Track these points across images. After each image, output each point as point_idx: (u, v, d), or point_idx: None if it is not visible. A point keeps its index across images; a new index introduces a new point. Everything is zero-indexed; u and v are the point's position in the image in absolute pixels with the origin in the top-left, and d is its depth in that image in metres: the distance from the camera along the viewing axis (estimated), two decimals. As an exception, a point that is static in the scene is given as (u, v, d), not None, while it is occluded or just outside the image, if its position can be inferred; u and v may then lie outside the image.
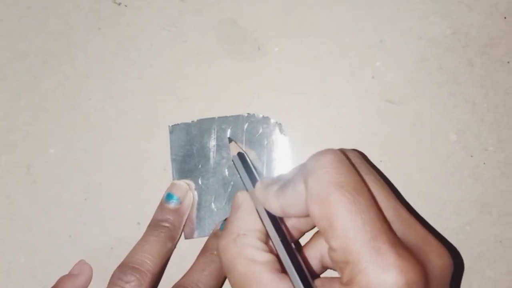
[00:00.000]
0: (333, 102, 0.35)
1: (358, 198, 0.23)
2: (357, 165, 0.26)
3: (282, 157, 0.35)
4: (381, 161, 0.35)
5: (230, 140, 0.34)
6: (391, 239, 0.22)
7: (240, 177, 0.31)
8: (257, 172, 0.30)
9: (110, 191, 0.35)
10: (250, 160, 0.32)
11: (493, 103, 0.35)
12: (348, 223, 0.22)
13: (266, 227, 0.27)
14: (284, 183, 0.26)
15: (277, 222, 0.27)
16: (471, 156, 0.35)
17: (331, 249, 0.23)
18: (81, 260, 0.34)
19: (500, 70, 0.35)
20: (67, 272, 0.34)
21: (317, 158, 0.25)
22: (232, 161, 0.32)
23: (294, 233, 0.30)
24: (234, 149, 0.33)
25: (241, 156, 0.32)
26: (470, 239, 0.34)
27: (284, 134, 0.35)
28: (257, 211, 0.28)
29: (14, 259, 0.35)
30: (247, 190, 0.30)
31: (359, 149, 0.35)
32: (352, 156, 0.27)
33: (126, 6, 0.36)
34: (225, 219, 0.34)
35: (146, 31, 0.36)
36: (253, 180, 0.29)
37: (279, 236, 0.26)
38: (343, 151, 0.26)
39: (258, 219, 0.28)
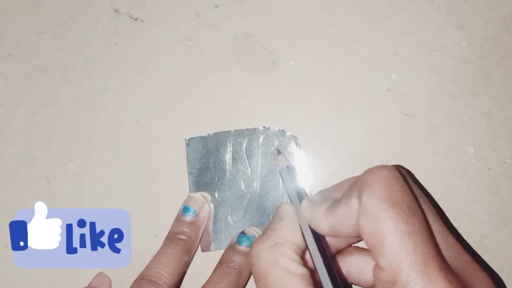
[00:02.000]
0: (349, 115, 0.35)
1: (412, 218, 0.22)
2: (409, 183, 0.26)
3: (297, 170, 0.35)
4: (397, 173, 0.35)
5: (279, 152, 0.34)
6: (442, 265, 0.22)
7: (286, 190, 0.31)
8: (303, 186, 0.31)
9: (127, 204, 0.35)
10: (297, 175, 0.32)
11: (510, 115, 0.35)
12: (400, 243, 0.22)
13: (308, 244, 0.27)
14: (334, 201, 0.26)
15: (320, 241, 0.27)
16: (489, 169, 0.34)
17: (378, 267, 0.23)
18: (100, 272, 0.35)
19: (516, 82, 0.35)
20: (86, 285, 0.34)
21: (372, 174, 0.24)
22: (280, 173, 0.32)
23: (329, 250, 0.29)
24: (282, 162, 0.33)
25: (289, 169, 0.32)
26: (488, 253, 0.34)
27: (299, 147, 0.35)
28: (300, 226, 0.27)
29: (31, 272, 0.35)
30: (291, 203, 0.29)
31: (376, 163, 0.35)
32: (403, 172, 0.27)
33: (142, 21, 0.37)
34: (242, 232, 0.34)
35: (163, 46, 0.37)
36: (300, 196, 0.29)
37: (322, 256, 0.26)
38: (396, 167, 0.26)
39: (299, 233, 0.27)
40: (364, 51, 0.36)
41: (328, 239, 0.28)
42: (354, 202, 0.24)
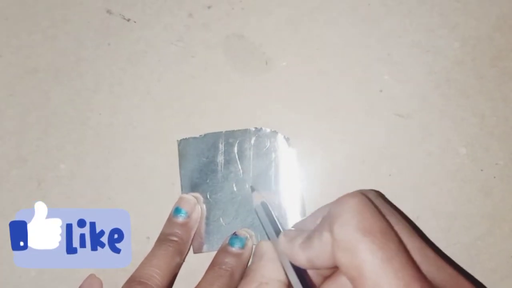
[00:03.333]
0: (341, 116, 0.35)
1: (387, 244, 0.22)
2: (379, 206, 0.25)
3: (289, 171, 0.35)
4: (390, 175, 0.35)
5: (253, 189, 0.34)
6: (424, 285, 0.22)
7: (263, 226, 0.31)
8: (279, 221, 0.31)
9: (119, 206, 0.35)
10: (273, 210, 0.32)
11: (503, 116, 0.35)
12: (379, 271, 0.21)
13: (290, 279, 0.27)
14: (308, 234, 0.26)
15: (301, 273, 0.27)
16: (481, 170, 0.34)
17: None
18: (91, 274, 0.35)
19: (509, 83, 0.35)
20: (77, 287, 0.34)
21: (341, 204, 0.24)
22: (255, 210, 0.33)
23: (316, 279, 0.29)
24: (257, 198, 0.33)
25: (264, 205, 0.32)
26: (481, 254, 0.34)
27: (291, 148, 0.35)
28: (280, 262, 0.28)
29: (24, 273, 0.35)
30: (269, 239, 0.30)
31: (367, 164, 0.35)
32: (372, 197, 0.26)
33: (135, 22, 0.37)
34: (234, 233, 0.34)
35: (155, 47, 0.36)
36: (276, 231, 0.30)
37: None
38: (364, 193, 0.25)
39: (281, 268, 0.27)
40: (356, 52, 0.36)
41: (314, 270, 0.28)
42: (326, 235, 0.24)
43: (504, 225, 0.34)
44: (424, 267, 0.24)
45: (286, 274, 0.27)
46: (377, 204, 0.26)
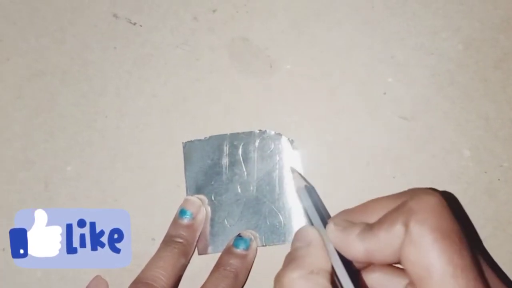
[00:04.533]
0: (345, 118, 0.36)
1: (463, 251, 0.21)
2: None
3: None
4: (394, 177, 0.35)
5: (293, 170, 0.33)
6: None
7: (306, 212, 0.29)
8: (325, 208, 0.29)
9: (125, 207, 0.35)
10: (318, 196, 0.31)
11: (507, 118, 0.35)
12: (451, 277, 0.21)
13: (336, 270, 0.25)
14: (368, 225, 0.24)
15: (350, 268, 0.25)
16: (485, 172, 0.34)
17: None
18: (97, 275, 0.35)
19: (513, 85, 0.35)
20: (84, 286, 0.35)
21: (420, 201, 0.23)
22: (297, 193, 0.31)
23: None
24: (299, 181, 0.32)
25: (309, 190, 0.30)
26: (485, 256, 0.34)
27: (296, 150, 0.35)
28: (327, 251, 0.26)
29: (30, 274, 0.35)
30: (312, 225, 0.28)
31: (371, 166, 0.35)
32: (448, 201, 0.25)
33: (141, 25, 0.37)
34: (239, 235, 0.34)
35: (160, 50, 0.37)
36: (323, 219, 0.28)
37: (353, 284, 0.24)
38: (443, 194, 0.24)
39: (328, 258, 0.26)
40: (360, 54, 0.36)
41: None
42: (399, 228, 0.22)
43: (508, 228, 0.34)
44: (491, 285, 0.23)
45: (332, 265, 0.25)
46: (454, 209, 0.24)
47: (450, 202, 0.26)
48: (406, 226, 0.22)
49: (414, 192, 0.24)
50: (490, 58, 0.35)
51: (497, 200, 0.34)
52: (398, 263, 0.23)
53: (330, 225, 0.26)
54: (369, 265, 0.27)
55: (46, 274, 0.35)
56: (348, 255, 0.25)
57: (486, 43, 0.36)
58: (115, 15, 0.37)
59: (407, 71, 0.36)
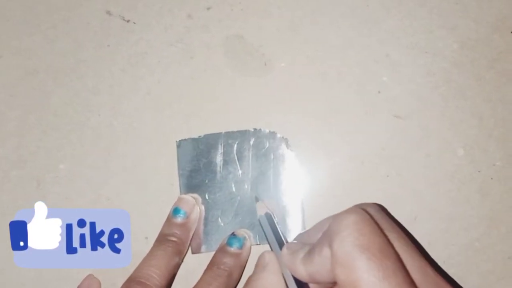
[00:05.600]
0: (340, 117, 0.35)
1: (384, 261, 0.22)
2: (379, 221, 0.25)
3: (288, 172, 0.35)
4: (388, 176, 0.35)
5: (257, 199, 0.34)
6: None
7: (266, 237, 0.31)
8: (282, 233, 0.31)
9: (118, 206, 0.35)
10: (277, 221, 0.32)
11: (501, 118, 0.35)
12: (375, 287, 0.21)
13: None
14: (310, 249, 0.26)
15: (302, 286, 0.27)
16: (479, 171, 0.34)
17: None
18: (89, 274, 0.35)
19: (507, 84, 0.35)
20: (76, 287, 0.34)
21: (340, 220, 0.24)
22: (259, 220, 0.33)
23: None
24: (261, 209, 0.33)
25: (268, 216, 0.32)
26: (478, 255, 0.34)
27: (290, 149, 0.35)
28: (282, 274, 0.28)
29: (24, 273, 0.35)
30: (272, 250, 0.30)
31: (366, 165, 0.35)
32: (373, 212, 0.26)
33: (134, 23, 0.37)
34: (232, 233, 0.34)
35: (154, 48, 0.37)
36: (280, 243, 0.30)
37: None
38: (364, 208, 0.25)
39: (282, 281, 0.28)
40: (355, 53, 0.36)
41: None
42: (326, 250, 0.24)
43: (501, 226, 0.34)
44: (423, 287, 0.24)
45: (287, 286, 0.27)
46: (378, 219, 0.26)
47: (379, 212, 0.27)
48: (331, 247, 0.23)
49: (338, 214, 0.25)
50: (484, 58, 0.35)
51: (490, 199, 0.34)
52: None
53: (284, 249, 0.28)
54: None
55: (46, 274, 0.35)
56: (299, 278, 0.26)
57: (481, 42, 0.36)
58: (108, 12, 0.37)
59: (402, 70, 0.35)
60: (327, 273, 0.24)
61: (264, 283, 0.28)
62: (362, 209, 0.25)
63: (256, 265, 0.29)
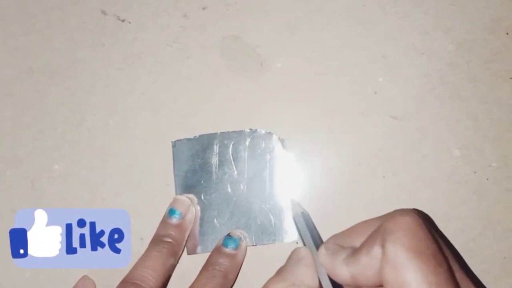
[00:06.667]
0: (336, 118, 0.35)
1: (438, 268, 0.22)
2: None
3: (284, 172, 0.35)
4: (384, 177, 0.35)
5: (292, 200, 0.34)
6: None
7: (301, 237, 0.31)
8: (319, 234, 0.31)
9: (113, 207, 0.35)
10: (313, 222, 0.32)
11: (497, 119, 0.35)
12: None
13: None
14: (353, 249, 0.25)
15: None
16: (475, 172, 0.34)
17: None
18: (84, 275, 0.35)
19: (503, 86, 0.35)
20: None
21: (395, 221, 0.23)
22: (294, 220, 0.33)
23: None
24: (296, 208, 0.33)
25: (305, 216, 0.32)
26: (474, 256, 0.34)
27: (286, 149, 0.35)
28: (317, 273, 0.27)
29: (19, 274, 0.35)
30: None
31: (362, 166, 0.35)
32: (422, 218, 0.25)
33: (130, 22, 0.37)
34: (228, 234, 0.34)
35: (150, 48, 0.36)
36: (316, 243, 0.29)
37: None
38: (418, 213, 0.25)
39: (316, 277, 0.27)
40: (351, 54, 0.36)
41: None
42: (377, 250, 0.23)
43: (497, 227, 0.34)
44: None
45: (320, 284, 0.27)
46: (429, 227, 0.25)
47: (428, 221, 0.27)
48: (383, 247, 0.23)
49: (391, 214, 0.24)
50: (480, 59, 0.35)
51: (486, 200, 0.34)
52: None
53: (321, 249, 0.27)
54: None
55: (46, 274, 0.35)
56: (337, 279, 0.26)
57: (477, 43, 0.36)
58: (103, 12, 0.37)
59: (398, 71, 0.36)
60: (373, 275, 0.23)
61: (298, 275, 0.27)
62: (415, 212, 0.24)
63: (289, 258, 0.28)
